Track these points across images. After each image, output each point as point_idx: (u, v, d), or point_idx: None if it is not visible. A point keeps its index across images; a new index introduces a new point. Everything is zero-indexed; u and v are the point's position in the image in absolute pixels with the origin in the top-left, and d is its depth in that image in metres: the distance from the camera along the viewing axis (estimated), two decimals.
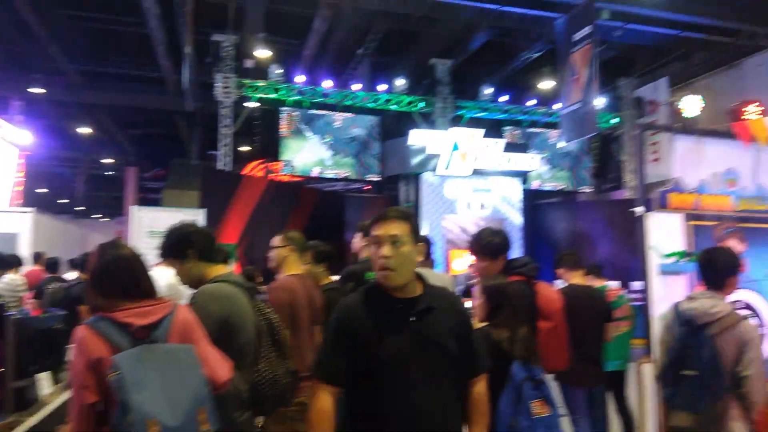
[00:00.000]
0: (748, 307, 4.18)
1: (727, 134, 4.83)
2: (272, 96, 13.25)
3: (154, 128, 19.97)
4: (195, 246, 2.44)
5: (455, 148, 12.41)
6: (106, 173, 22.96)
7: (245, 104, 13.39)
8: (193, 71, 13.45)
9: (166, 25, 12.57)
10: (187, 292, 2.56)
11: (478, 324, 2.55)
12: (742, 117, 10.56)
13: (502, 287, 2.60)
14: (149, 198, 19.71)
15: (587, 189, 15.45)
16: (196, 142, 17.39)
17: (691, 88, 15.49)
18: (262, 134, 13.19)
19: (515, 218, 12.97)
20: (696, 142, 4.78)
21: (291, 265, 3.31)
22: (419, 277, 1.98)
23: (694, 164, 4.72)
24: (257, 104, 13.34)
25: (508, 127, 15.03)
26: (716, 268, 2.88)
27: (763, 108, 11.12)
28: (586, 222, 12.81)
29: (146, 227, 7.84)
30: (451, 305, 2.00)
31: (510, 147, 13.16)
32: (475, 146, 12.50)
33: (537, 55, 14.53)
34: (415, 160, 12.63)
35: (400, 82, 14.15)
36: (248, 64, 13.64)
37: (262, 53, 13.27)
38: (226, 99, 12.66)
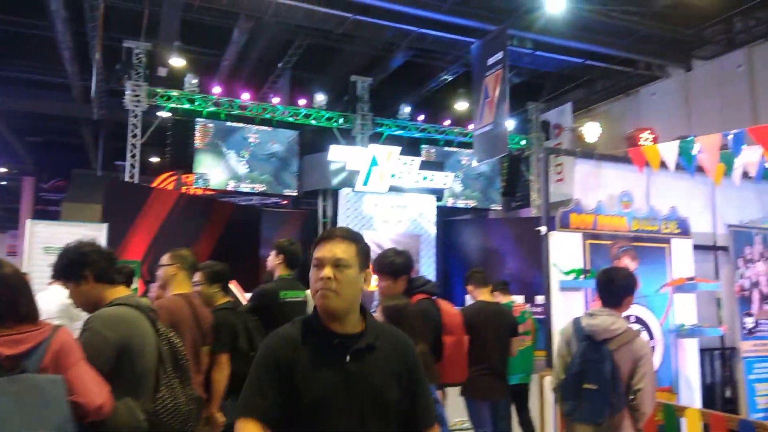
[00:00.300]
0: (638, 320, 4.49)
1: (623, 159, 5.17)
2: (186, 106, 12.85)
3: (56, 136, 18.81)
4: (92, 267, 2.30)
5: (374, 164, 12.54)
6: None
7: (158, 114, 12.89)
8: (102, 78, 12.83)
9: (73, 29, 11.94)
10: (84, 313, 2.41)
11: None
12: (638, 143, 11.39)
13: (400, 308, 2.65)
14: (48, 210, 18.47)
15: (497, 207, 16.05)
16: (101, 151, 16.52)
17: (592, 113, 16.61)
18: (175, 146, 12.71)
19: (430, 235, 13.24)
20: (595, 166, 5.10)
21: (178, 284, 3.21)
22: (363, 312, 1.74)
23: (593, 186, 5.03)
24: (169, 114, 12.88)
25: (425, 146, 15.39)
26: (615, 287, 3.02)
27: (655, 135, 12.04)
28: (495, 238, 13.31)
29: (42, 242, 7.30)
30: (399, 346, 1.75)
31: (426, 165, 13.47)
32: (393, 163, 12.69)
33: (453, 77, 15.06)
34: (334, 176, 12.64)
35: (320, 98, 14.17)
36: (161, 72, 13.17)
37: (177, 62, 12.87)
38: (135, 108, 12.13)
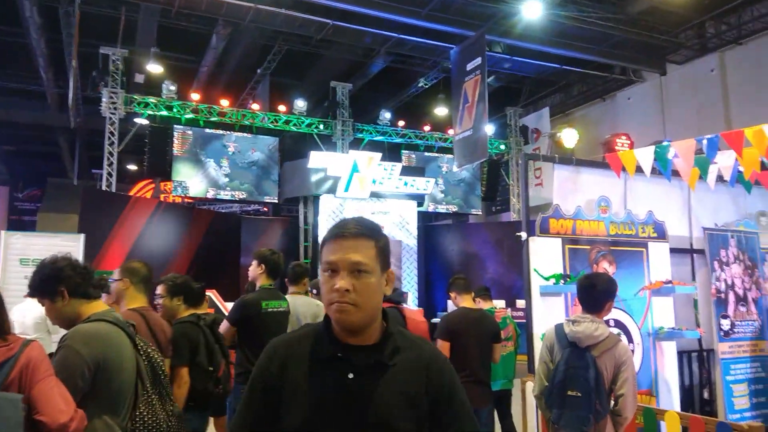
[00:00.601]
0: (617, 324, 4.54)
1: (601, 164, 5.23)
2: (164, 113, 12.72)
3: (31, 145, 18.49)
4: (66, 282, 2.26)
5: (355, 170, 12.53)
6: None
7: (135, 121, 12.75)
8: (78, 85, 12.66)
9: (48, 35, 11.77)
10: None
11: None
12: (615, 148, 11.56)
13: None
14: (23, 220, 18.13)
15: (477, 212, 16.15)
16: (77, 160, 16.27)
17: (569, 117, 16.82)
18: (152, 153, 12.59)
19: (411, 240, 13.27)
20: (573, 172, 5.14)
21: (131, 298, 3.10)
22: (386, 318, 1.45)
23: (571, 191, 5.07)
24: (147, 121, 12.75)
25: (406, 151, 15.43)
26: (596, 293, 3.03)
27: (631, 141, 12.23)
28: (476, 243, 13.41)
29: (17, 254, 7.16)
30: (422, 364, 1.41)
31: (407, 170, 13.51)
32: (374, 169, 12.71)
33: (433, 82, 15.15)
34: (315, 182, 12.61)
35: (300, 104, 14.13)
36: (138, 79, 13.05)
37: (154, 68, 12.75)
38: (112, 115, 11.99)
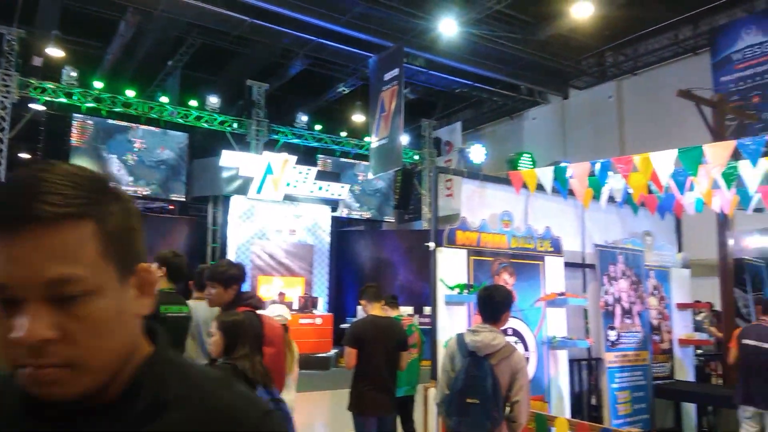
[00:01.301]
0: (515, 333, 4.77)
1: (504, 180, 5.48)
2: (63, 100, 11.92)
3: None
4: None
5: (268, 172, 12.33)
6: None
7: (30, 106, 11.86)
8: None
9: None
10: None
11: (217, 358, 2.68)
12: (518, 166, 12.16)
13: (238, 322, 2.75)
14: None
15: (390, 219, 16.38)
16: None
17: (480, 132, 17.51)
18: (48, 142, 11.75)
19: (324, 245, 13.23)
20: (480, 186, 5.35)
21: None
22: (153, 337, 0.73)
23: (477, 205, 5.27)
24: (43, 108, 11.89)
25: (321, 156, 15.38)
26: (494, 304, 3.18)
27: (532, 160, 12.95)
28: (387, 250, 13.60)
29: None
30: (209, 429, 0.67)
31: (322, 175, 13.47)
32: (288, 172, 12.57)
33: (351, 89, 15.23)
34: (226, 182, 12.28)
35: (213, 100, 13.71)
36: (36, 62, 12.14)
37: (54, 52, 11.93)
38: (4, 99, 11.09)
